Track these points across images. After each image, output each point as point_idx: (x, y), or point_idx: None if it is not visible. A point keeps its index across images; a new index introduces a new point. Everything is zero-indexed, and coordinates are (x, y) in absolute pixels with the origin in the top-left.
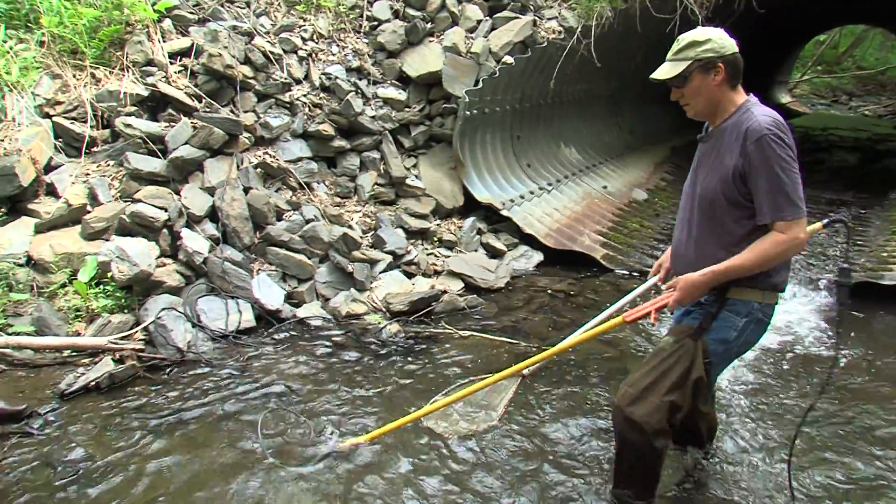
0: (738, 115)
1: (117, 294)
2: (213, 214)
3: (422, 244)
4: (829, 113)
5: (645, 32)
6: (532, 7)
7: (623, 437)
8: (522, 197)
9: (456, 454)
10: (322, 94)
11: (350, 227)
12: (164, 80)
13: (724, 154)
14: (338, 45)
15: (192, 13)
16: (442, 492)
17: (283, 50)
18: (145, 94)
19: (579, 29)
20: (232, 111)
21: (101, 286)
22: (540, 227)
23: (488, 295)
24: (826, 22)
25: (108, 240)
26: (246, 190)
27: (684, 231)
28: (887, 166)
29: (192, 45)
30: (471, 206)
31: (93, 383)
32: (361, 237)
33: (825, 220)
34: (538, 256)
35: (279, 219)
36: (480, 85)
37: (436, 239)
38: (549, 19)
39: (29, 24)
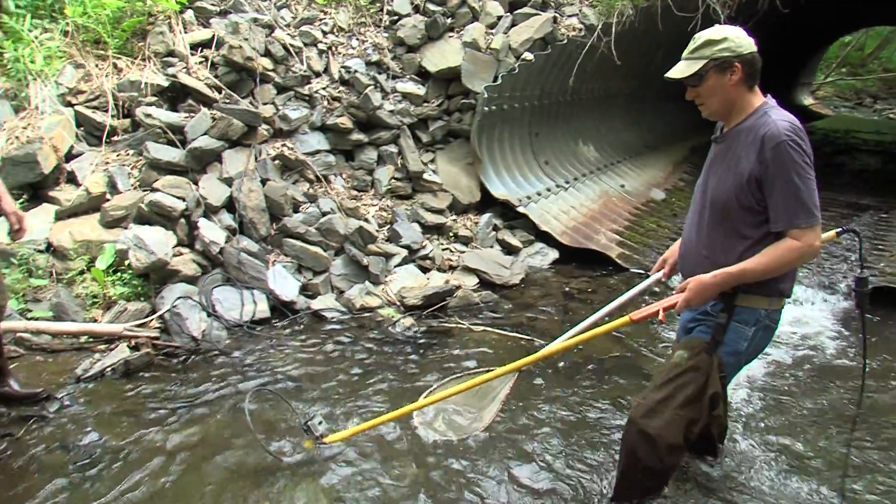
0: (755, 118)
1: (134, 282)
2: (230, 205)
3: (437, 239)
4: (853, 116)
5: (666, 31)
6: (553, 4)
7: (633, 451)
8: (539, 194)
9: (442, 455)
10: (341, 88)
11: (366, 220)
12: (184, 70)
13: (740, 158)
14: (358, 39)
15: (213, 5)
16: (427, 493)
17: (303, 43)
18: (166, 84)
19: (600, 26)
20: (251, 103)
21: (119, 274)
22: (556, 225)
23: (502, 291)
24: (852, 23)
25: (126, 228)
26: (263, 181)
27: (695, 232)
28: None
29: (213, 36)
30: (487, 202)
31: (108, 369)
32: (377, 231)
33: (839, 229)
34: (553, 254)
35: (296, 211)
36: (499, 81)
37: (451, 234)
38: (569, 16)
39: (54, 14)
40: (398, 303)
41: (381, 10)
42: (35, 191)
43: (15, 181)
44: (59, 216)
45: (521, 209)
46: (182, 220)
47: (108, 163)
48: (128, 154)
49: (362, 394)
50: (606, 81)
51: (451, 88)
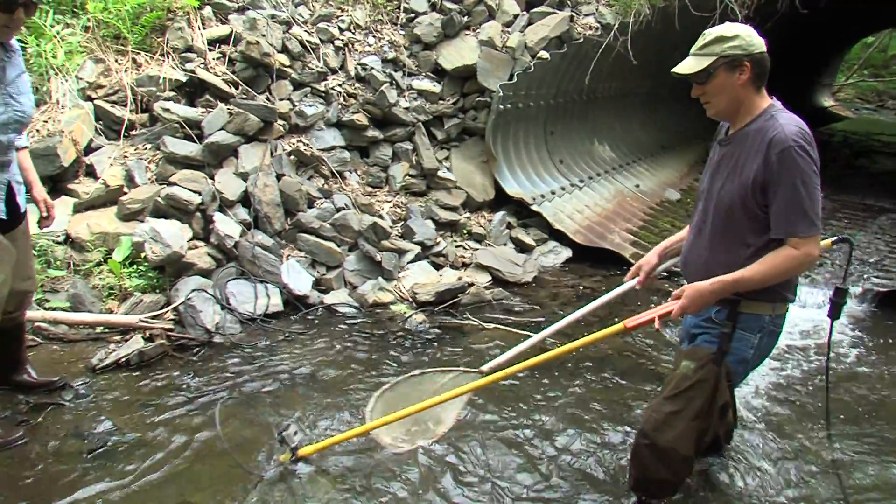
0: (762, 121)
1: (150, 274)
2: (245, 199)
3: (451, 236)
4: (874, 118)
5: (683, 30)
6: (569, 3)
7: (645, 464)
8: (553, 192)
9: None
10: (357, 85)
11: (380, 216)
12: (202, 66)
13: (745, 161)
14: (374, 37)
15: (231, 1)
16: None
17: (320, 39)
18: (184, 79)
19: (616, 26)
20: (268, 98)
21: (135, 266)
22: (570, 224)
23: (515, 289)
24: (875, 24)
25: (142, 221)
26: (279, 176)
27: (698, 237)
28: None
29: (231, 32)
30: (501, 200)
31: (123, 359)
32: (391, 227)
33: (833, 238)
34: (567, 253)
35: (310, 206)
36: (515, 79)
37: (465, 231)
38: (586, 15)
39: (75, 10)
40: (410, 299)
41: (399, 7)
42: (54, 183)
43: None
44: (78, 209)
45: (535, 207)
46: (198, 214)
47: (126, 156)
48: (145, 148)
49: (373, 386)
50: (622, 81)
51: (467, 86)
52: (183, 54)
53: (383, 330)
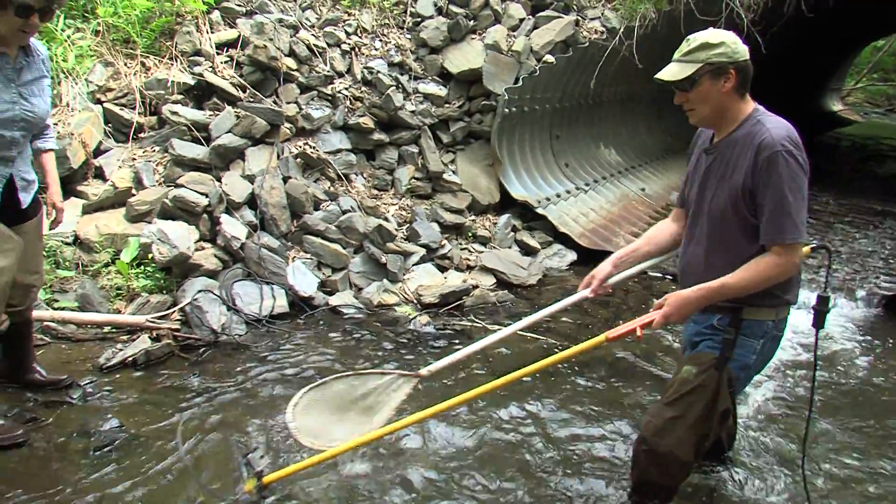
0: (748, 126)
1: (157, 275)
2: (252, 202)
3: (456, 239)
4: (883, 122)
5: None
6: (575, 7)
7: (645, 469)
8: (559, 196)
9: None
10: (363, 88)
11: (386, 219)
12: (210, 69)
13: (733, 168)
14: (381, 40)
15: (239, 5)
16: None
17: (327, 43)
18: (192, 83)
19: (622, 30)
20: (275, 102)
21: (142, 267)
22: (575, 227)
23: (519, 291)
24: (885, 27)
25: (150, 222)
26: (285, 179)
27: (693, 245)
28: None
29: (239, 36)
30: (506, 203)
31: (130, 359)
32: (396, 229)
33: (812, 245)
34: (572, 255)
35: (316, 208)
36: (520, 83)
37: (470, 234)
38: (591, 19)
39: (86, 14)
40: (415, 301)
41: (405, 11)
42: (64, 185)
43: None
44: (86, 210)
45: (540, 210)
46: (205, 216)
47: (134, 159)
48: (153, 150)
49: None
50: (628, 85)
51: (473, 90)
52: (191, 58)
53: (387, 332)
